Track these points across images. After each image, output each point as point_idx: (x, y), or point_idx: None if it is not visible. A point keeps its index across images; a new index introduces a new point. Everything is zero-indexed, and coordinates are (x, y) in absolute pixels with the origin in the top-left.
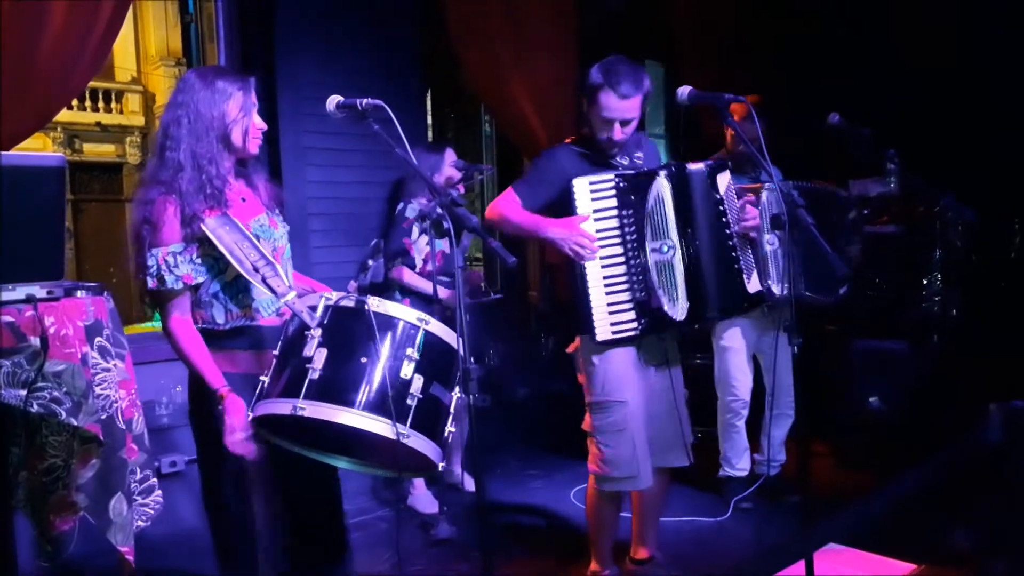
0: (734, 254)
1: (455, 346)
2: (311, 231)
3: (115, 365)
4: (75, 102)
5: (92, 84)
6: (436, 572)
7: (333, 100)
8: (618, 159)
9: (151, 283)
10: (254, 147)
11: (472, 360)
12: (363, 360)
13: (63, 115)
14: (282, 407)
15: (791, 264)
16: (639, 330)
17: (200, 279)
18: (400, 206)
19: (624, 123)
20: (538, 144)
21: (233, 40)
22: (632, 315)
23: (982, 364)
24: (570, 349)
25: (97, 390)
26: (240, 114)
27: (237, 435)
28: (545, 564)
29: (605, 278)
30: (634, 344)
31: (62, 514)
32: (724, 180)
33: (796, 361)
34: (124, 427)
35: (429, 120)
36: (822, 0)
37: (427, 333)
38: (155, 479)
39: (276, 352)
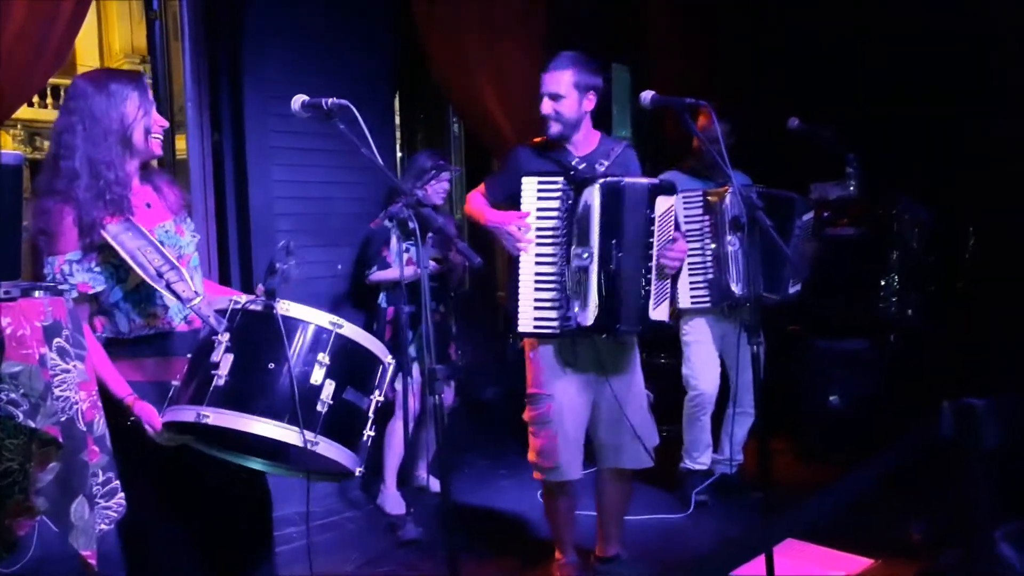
0: (647, 276)
1: (373, 350)
2: (277, 231)
3: (75, 366)
4: (36, 99)
5: (54, 81)
6: (403, 573)
7: (298, 99)
8: (576, 163)
9: None
10: (157, 147)
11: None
12: (271, 366)
13: (23, 112)
14: (187, 414)
15: (750, 265)
16: (557, 330)
17: (98, 288)
18: (382, 213)
19: (552, 97)
20: (506, 144)
21: (198, 37)
22: (555, 314)
23: (937, 363)
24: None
25: (56, 391)
26: (139, 113)
27: (156, 435)
28: (513, 563)
29: (538, 275)
30: (553, 342)
31: (19, 518)
32: (664, 203)
33: (757, 360)
34: (85, 429)
35: (397, 120)
36: (785, 6)
37: (340, 337)
38: (117, 481)
39: (189, 357)
